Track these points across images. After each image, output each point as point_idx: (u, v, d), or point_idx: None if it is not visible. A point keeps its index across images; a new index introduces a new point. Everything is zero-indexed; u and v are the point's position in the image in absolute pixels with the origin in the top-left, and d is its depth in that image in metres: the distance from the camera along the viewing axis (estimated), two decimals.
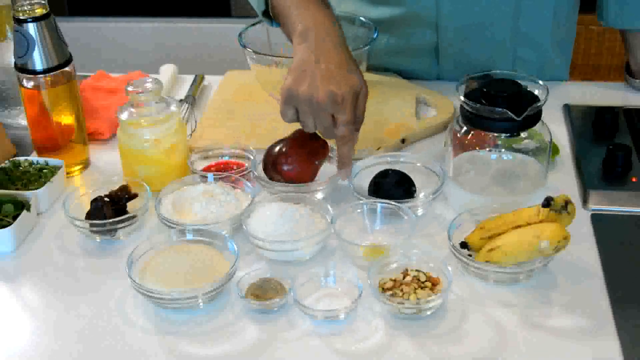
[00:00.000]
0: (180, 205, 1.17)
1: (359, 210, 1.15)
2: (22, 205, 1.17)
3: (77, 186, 1.26)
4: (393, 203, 1.13)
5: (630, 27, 1.47)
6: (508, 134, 1.13)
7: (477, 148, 1.16)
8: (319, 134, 1.24)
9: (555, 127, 1.34)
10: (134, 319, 1.03)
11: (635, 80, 1.49)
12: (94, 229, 1.14)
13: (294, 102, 1.14)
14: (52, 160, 1.27)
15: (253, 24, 1.48)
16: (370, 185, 1.18)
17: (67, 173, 1.30)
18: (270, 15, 1.30)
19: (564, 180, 1.25)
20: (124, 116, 1.21)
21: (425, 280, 1.02)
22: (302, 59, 1.15)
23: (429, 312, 0.99)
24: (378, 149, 1.30)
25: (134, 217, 1.16)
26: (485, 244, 1.06)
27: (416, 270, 1.03)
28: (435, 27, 1.48)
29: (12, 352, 0.99)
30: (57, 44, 1.23)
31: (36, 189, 1.21)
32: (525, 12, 1.45)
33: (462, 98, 1.12)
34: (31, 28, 1.20)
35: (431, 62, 1.54)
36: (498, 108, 1.09)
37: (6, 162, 1.27)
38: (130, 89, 1.20)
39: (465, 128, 1.15)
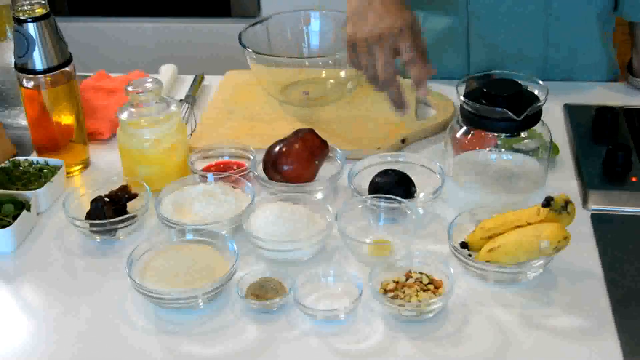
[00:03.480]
0: (180, 205, 1.17)
1: (359, 207, 1.15)
2: (22, 205, 1.17)
3: (77, 186, 1.26)
4: (397, 199, 1.13)
5: None
6: (508, 134, 1.13)
7: (477, 148, 1.16)
8: (320, 136, 1.24)
9: (555, 127, 1.34)
10: (134, 319, 1.03)
11: (636, 79, 1.49)
12: (94, 229, 1.14)
13: (355, 45, 1.21)
14: (52, 160, 1.27)
15: (253, 24, 1.48)
16: (370, 185, 1.18)
17: (67, 173, 1.30)
18: None
19: (564, 180, 1.25)
20: (124, 116, 1.21)
21: (428, 283, 1.02)
22: (355, 5, 1.22)
23: (430, 315, 0.99)
24: (378, 149, 1.30)
25: (134, 217, 1.16)
26: (485, 244, 1.06)
27: (419, 273, 1.03)
28: (465, 14, 1.48)
29: (12, 352, 0.99)
30: (57, 44, 1.23)
31: (36, 189, 1.21)
32: None
33: (462, 98, 1.12)
34: (31, 28, 1.20)
35: (462, 52, 1.53)
36: (498, 108, 1.09)
37: (6, 162, 1.27)
38: (130, 89, 1.20)
39: (465, 128, 1.15)
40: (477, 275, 1.06)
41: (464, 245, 1.08)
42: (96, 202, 1.15)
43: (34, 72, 1.23)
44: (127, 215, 1.15)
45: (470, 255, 1.07)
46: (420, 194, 1.18)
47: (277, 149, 1.21)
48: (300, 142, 1.22)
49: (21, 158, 1.28)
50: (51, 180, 1.22)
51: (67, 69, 1.25)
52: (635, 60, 1.50)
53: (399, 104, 1.25)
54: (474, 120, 1.12)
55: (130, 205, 1.18)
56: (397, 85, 1.23)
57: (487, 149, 1.16)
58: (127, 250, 1.08)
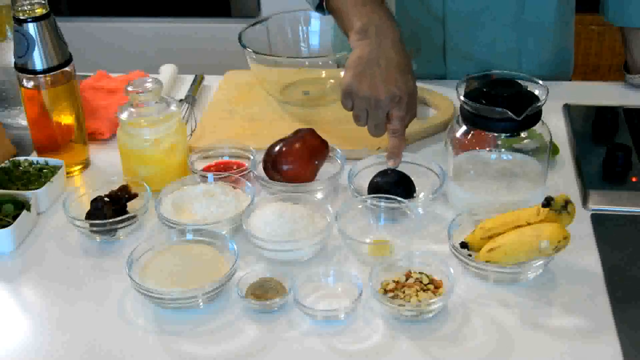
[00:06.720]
0: (180, 205, 1.17)
1: (359, 207, 1.15)
2: (22, 205, 1.17)
3: (77, 186, 1.26)
4: (397, 199, 1.13)
5: (628, 25, 1.48)
6: (508, 134, 1.13)
7: (477, 148, 1.16)
8: (320, 135, 1.25)
9: (555, 127, 1.34)
10: (134, 319, 1.03)
11: (632, 76, 1.49)
12: (94, 229, 1.14)
13: (352, 97, 1.19)
14: (52, 160, 1.27)
15: (253, 24, 1.48)
16: (370, 185, 1.18)
17: (67, 173, 1.30)
18: (324, 8, 1.32)
19: (564, 180, 1.25)
20: (124, 116, 1.21)
21: (428, 283, 1.01)
22: (362, 56, 1.19)
23: (429, 315, 0.99)
24: (378, 149, 1.30)
25: (134, 217, 1.16)
26: (485, 244, 1.06)
27: (419, 273, 1.03)
28: (442, 21, 1.49)
29: (12, 351, 0.99)
30: (57, 44, 1.23)
31: (36, 189, 1.21)
32: (529, 1, 1.46)
33: (462, 98, 1.12)
34: (31, 28, 1.20)
35: (438, 59, 1.54)
36: (498, 108, 1.09)
37: (6, 162, 1.27)
38: (130, 89, 1.20)
39: (465, 128, 1.15)
40: (477, 275, 1.06)
41: (464, 245, 1.08)
42: (96, 202, 1.15)
43: (34, 72, 1.23)
44: (127, 215, 1.15)
45: (470, 255, 1.07)
46: (420, 194, 1.18)
47: (277, 148, 1.21)
48: (301, 142, 1.22)
49: (21, 158, 1.28)
50: (51, 180, 1.22)
51: (67, 69, 1.25)
52: (629, 59, 1.51)
53: (391, 155, 1.21)
54: (474, 120, 1.12)
55: (130, 205, 1.18)
56: (404, 135, 1.21)
57: (487, 149, 1.16)
58: (127, 250, 1.08)
